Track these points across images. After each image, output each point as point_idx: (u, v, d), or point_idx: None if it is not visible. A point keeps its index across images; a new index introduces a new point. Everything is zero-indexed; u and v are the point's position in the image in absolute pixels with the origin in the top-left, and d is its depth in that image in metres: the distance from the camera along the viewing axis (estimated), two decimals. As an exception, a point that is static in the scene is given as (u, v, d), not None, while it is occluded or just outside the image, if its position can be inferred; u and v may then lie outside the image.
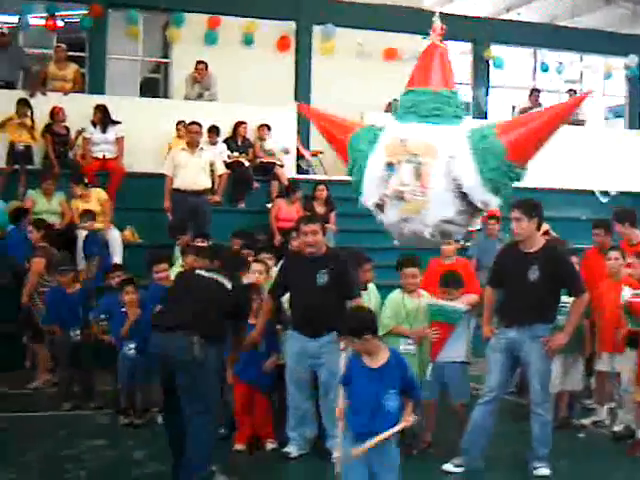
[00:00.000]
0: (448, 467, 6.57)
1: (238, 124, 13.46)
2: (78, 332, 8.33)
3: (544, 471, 6.51)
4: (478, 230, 12.79)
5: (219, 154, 12.37)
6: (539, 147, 5.18)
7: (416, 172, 5.12)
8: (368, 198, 5.76)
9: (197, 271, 6.35)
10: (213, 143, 12.68)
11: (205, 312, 5.85)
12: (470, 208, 5.25)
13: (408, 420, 4.88)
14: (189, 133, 11.48)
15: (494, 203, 5.09)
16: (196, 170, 11.30)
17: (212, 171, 11.67)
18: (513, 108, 16.37)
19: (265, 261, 7.65)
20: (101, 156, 12.29)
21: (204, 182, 11.40)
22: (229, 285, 6.08)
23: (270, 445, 7.04)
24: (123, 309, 7.84)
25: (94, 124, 12.32)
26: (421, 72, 5.50)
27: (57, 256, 9.47)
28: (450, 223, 5.10)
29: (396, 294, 7.14)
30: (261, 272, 7.40)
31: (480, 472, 6.55)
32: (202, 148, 11.53)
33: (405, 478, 6.42)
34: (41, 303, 9.07)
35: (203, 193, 11.34)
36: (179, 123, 12.72)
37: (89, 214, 10.45)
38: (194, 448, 5.70)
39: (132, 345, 7.70)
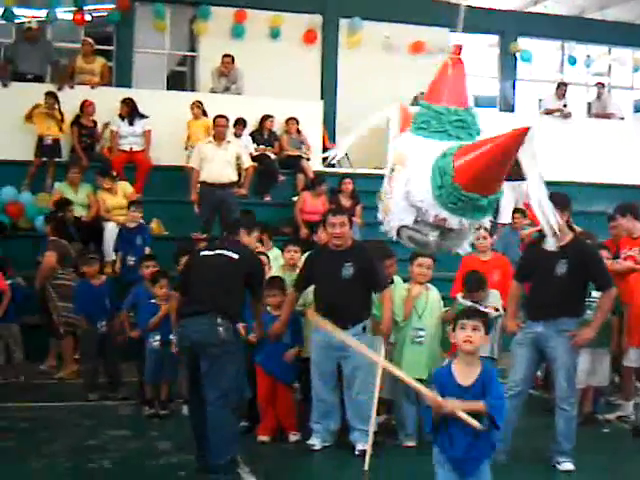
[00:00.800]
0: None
1: (264, 117, 13.48)
2: (104, 324, 8.39)
3: (568, 466, 6.49)
4: (503, 224, 12.80)
5: (245, 147, 12.41)
6: (490, 174, 4.58)
7: (389, 178, 5.15)
8: None
9: (201, 252, 6.49)
10: (239, 136, 12.71)
11: (221, 290, 5.95)
12: (428, 220, 5.05)
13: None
14: (216, 126, 11.51)
15: (453, 222, 4.76)
16: (222, 163, 11.33)
17: (238, 164, 11.70)
18: (540, 101, 16.25)
19: (293, 253, 7.79)
20: (128, 149, 12.39)
21: (230, 175, 11.43)
22: (235, 255, 6.17)
23: (293, 437, 7.07)
24: (152, 300, 7.90)
25: (122, 117, 12.41)
26: (435, 88, 5.32)
27: (68, 249, 9.57)
28: (411, 230, 4.95)
29: (404, 286, 7.23)
30: (270, 267, 7.63)
31: (504, 466, 6.52)
32: (229, 141, 11.56)
33: (428, 471, 6.49)
34: (57, 297, 9.17)
35: (229, 186, 11.37)
36: (193, 103, 12.77)
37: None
38: (213, 436, 5.75)
39: (157, 337, 7.75)
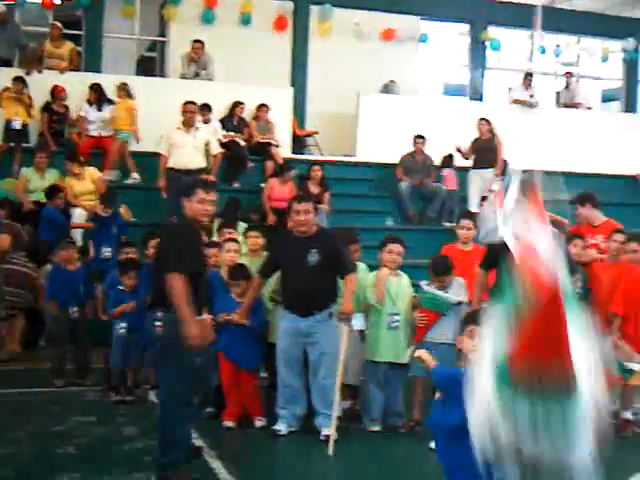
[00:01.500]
0: (434, 445, 6.62)
1: (235, 104, 13.46)
2: (76, 309, 8.37)
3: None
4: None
5: (213, 132, 12.40)
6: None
7: None
8: None
9: None
10: (206, 121, 12.69)
11: (155, 280, 5.70)
12: None
13: None
14: (185, 112, 11.48)
15: None
16: (191, 150, 11.34)
17: (207, 151, 11.69)
18: (509, 90, 16.35)
19: (254, 239, 7.83)
20: (97, 134, 12.35)
21: (199, 162, 11.44)
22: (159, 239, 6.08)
23: (259, 422, 7.11)
24: (120, 287, 7.92)
25: (90, 102, 12.36)
26: None
27: (22, 232, 9.57)
28: None
29: (380, 272, 7.22)
30: (237, 251, 7.55)
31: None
32: (197, 128, 11.55)
33: (392, 456, 6.59)
34: (3, 281, 9.14)
35: (197, 172, 11.35)
36: (119, 85, 12.70)
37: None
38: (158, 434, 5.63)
39: (123, 324, 7.78)
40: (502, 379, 3.46)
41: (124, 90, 12.51)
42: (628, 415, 7.25)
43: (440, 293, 6.99)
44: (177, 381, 5.45)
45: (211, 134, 12.08)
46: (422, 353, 4.47)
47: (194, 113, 11.59)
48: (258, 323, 7.20)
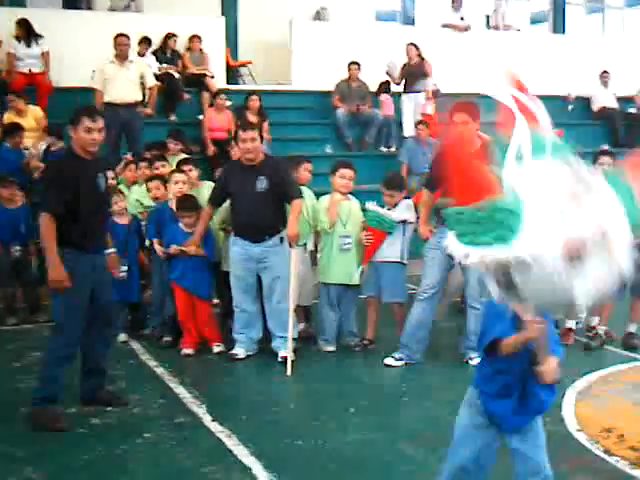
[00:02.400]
0: (389, 361, 6.88)
1: (168, 36, 13.28)
2: (18, 248, 8.33)
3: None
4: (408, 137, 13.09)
5: (147, 65, 12.24)
6: None
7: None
8: None
9: None
10: (142, 55, 12.53)
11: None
12: None
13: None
14: (117, 45, 11.30)
15: None
16: (126, 83, 11.17)
17: (142, 84, 11.57)
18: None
19: (187, 172, 7.80)
20: (27, 70, 12.04)
21: (135, 95, 11.30)
22: None
23: (217, 348, 7.26)
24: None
25: (18, 39, 12.03)
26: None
27: None
28: None
29: (329, 196, 7.36)
30: (184, 182, 7.58)
31: (419, 364, 6.89)
32: (131, 61, 11.38)
33: (348, 374, 6.81)
34: None
35: (134, 106, 11.25)
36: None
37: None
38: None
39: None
40: None
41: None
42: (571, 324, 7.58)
43: (384, 211, 7.17)
44: (63, 318, 5.44)
45: (145, 67, 11.89)
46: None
47: (127, 46, 11.37)
48: (210, 252, 7.30)
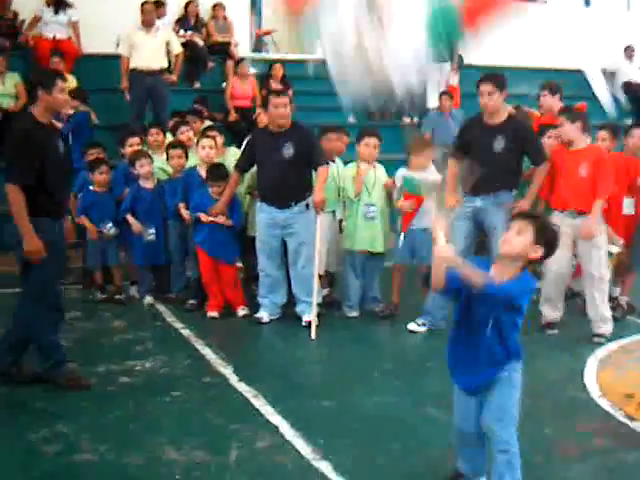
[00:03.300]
0: (413, 327, 6.96)
1: (188, 3, 13.26)
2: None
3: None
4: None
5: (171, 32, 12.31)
6: None
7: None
8: None
9: None
10: (158, 17, 12.55)
11: None
12: None
13: None
14: (143, 12, 11.32)
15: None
16: (152, 50, 11.22)
17: (168, 51, 11.61)
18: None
19: (215, 137, 7.82)
20: (52, 36, 12.07)
21: (161, 62, 11.35)
22: None
23: (242, 312, 7.35)
24: (91, 187, 7.93)
25: (47, 4, 12.06)
26: None
27: None
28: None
29: (354, 164, 7.43)
30: (211, 147, 7.60)
31: (442, 330, 6.95)
32: (158, 27, 11.42)
33: (372, 339, 6.90)
34: None
35: (160, 73, 11.30)
36: None
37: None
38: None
39: (110, 224, 7.79)
40: None
41: None
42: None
43: (420, 175, 7.22)
44: (46, 285, 5.39)
45: (172, 34, 11.92)
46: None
47: (152, 12, 11.41)
48: (237, 220, 7.37)
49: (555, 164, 6.99)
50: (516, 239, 3.66)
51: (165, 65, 11.43)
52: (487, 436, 3.85)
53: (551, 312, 7.01)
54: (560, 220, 6.73)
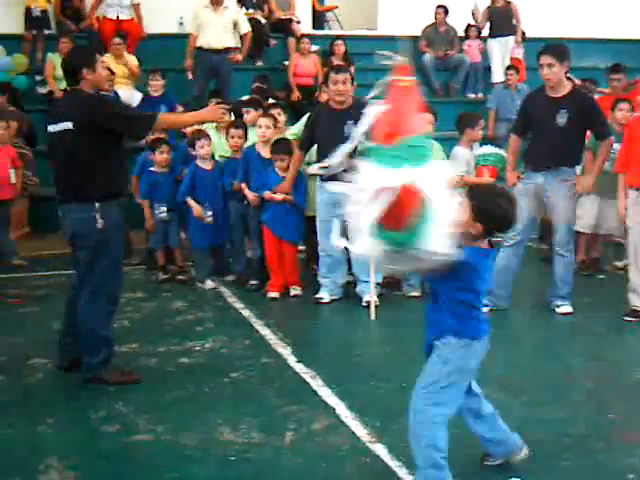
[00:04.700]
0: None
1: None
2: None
3: (566, 308, 6.80)
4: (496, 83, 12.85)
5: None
6: None
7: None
8: None
9: (48, 125, 5.26)
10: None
11: (72, 172, 5.12)
12: None
13: None
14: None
15: None
16: (220, 29, 11.26)
17: (237, 31, 11.62)
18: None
19: (274, 115, 7.78)
20: (115, 17, 12.15)
21: (227, 41, 11.38)
22: (69, 124, 5.06)
23: (293, 291, 7.37)
24: (152, 168, 7.98)
25: (110, -14, 12.16)
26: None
27: (25, 119, 9.77)
28: None
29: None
30: (268, 126, 7.54)
31: (506, 310, 6.85)
32: (226, 7, 11.41)
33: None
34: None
35: (225, 52, 11.32)
36: None
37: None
38: (83, 332, 5.27)
39: (164, 208, 7.86)
40: None
41: None
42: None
43: (493, 149, 7.19)
44: (109, 275, 5.23)
45: (240, 13, 11.90)
46: None
47: None
48: (302, 198, 7.35)
49: (631, 136, 6.70)
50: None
51: (232, 44, 11.46)
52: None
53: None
54: (635, 199, 6.55)
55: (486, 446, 4.06)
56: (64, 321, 5.50)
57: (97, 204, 5.06)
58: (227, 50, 11.36)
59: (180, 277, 7.89)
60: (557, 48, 6.62)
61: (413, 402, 3.77)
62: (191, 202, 7.62)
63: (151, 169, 7.97)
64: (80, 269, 5.24)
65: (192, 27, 11.26)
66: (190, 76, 11.27)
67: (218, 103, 7.31)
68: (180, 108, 10.06)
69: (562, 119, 6.53)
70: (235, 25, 11.54)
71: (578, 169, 6.93)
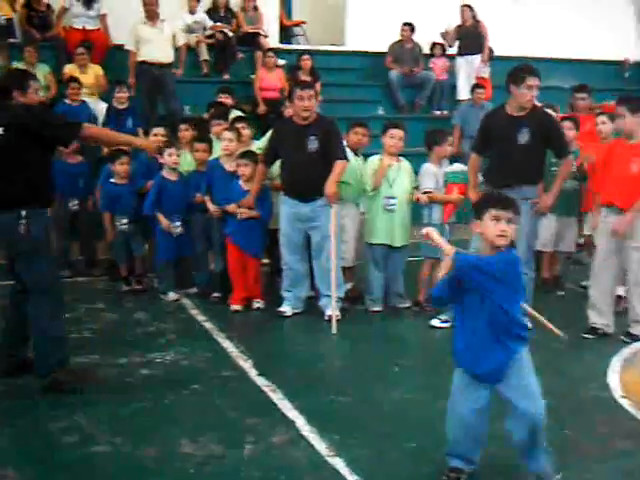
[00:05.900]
0: (435, 323, 6.90)
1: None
2: (76, 202, 8.47)
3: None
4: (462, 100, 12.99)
5: (202, 22, 12.37)
6: None
7: None
8: None
9: None
10: (193, 12, 12.59)
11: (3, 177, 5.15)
12: None
13: None
14: (145, 5, 11.30)
15: None
16: (161, 42, 11.23)
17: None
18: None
19: (239, 129, 7.79)
20: (81, 27, 12.09)
21: (167, 55, 11.37)
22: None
23: (256, 304, 7.36)
24: (112, 180, 7.96)
25: (77, -3, 12.10)
26: None
27: None
28: None
29: (377, 157, 7.37)
30: (232, 140, 7.55)
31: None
32: (163, 20, 11.40)
33: (394, 334, 6.86)
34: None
35: (168, 66, 11.33)
36: None
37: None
38: (34, 336, 5.34)
39: (125, 220, 7.86)
40: None
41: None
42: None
43: (458, 166, 7.28)
44: (49, 276, 5.31)
45: (176, 26, 11.87)
46: (430, 231, 4.16)
47: (153, 5, 11.33)
48: (266, 213, 7.37)
49: (608, 157, 6.78)
50: (512, 229, 3.87)
51: (172, 59, 11.46)
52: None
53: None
54: (604, 216, 6.66)
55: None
56: (6, 327, 5.52)
57: (23, 211, 5.09)
58: (169, 65, 11.38)
59: (137, 287, 7.89)
60: (526, 67, 6.74)
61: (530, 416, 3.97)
62: (160, 216, 7.57)
63: (111, 180, 7.97)
64: (20, 274, 5.27)
65: (130, 44, 11.24)
66: (132, 92, 11.13)
67: (167, 141, 7.67)
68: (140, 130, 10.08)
69: (523, 137, 6.59)
70: (173, 38, 11.57)
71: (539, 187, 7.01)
